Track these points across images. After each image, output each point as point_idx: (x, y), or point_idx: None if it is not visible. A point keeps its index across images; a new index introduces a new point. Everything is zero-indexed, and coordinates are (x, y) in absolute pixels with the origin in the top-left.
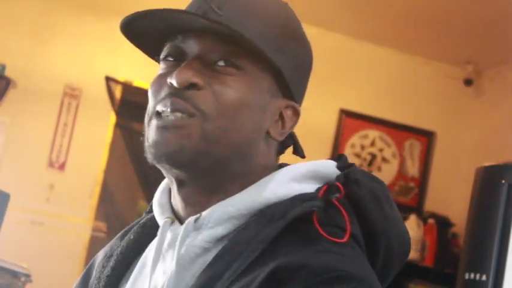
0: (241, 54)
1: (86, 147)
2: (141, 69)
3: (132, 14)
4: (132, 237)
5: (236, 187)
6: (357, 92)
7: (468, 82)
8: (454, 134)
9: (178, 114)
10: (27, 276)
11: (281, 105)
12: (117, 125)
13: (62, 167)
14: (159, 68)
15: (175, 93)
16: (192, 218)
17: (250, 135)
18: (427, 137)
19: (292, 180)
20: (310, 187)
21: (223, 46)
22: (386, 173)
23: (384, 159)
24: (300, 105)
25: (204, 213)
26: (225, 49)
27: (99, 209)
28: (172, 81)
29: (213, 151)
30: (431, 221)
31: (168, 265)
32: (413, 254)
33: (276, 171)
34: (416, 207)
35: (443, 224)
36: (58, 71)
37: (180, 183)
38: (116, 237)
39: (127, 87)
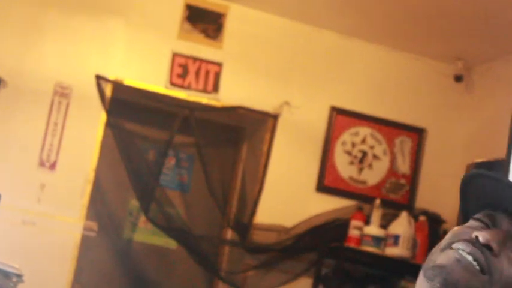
0: None
1: (76, 147)
2: (131, 68)
3: (489, 174)
4: None
5: None
6: (347, 89)
7: (458, 78)
8: (444, 130)
9: (471, 259)
10: (19, 276)
11: None
12: (108, 124)
13: (52, 166)
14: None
15: (476, 244)
16: None
17: None
18: (417, 133)
19: None
20: None
21: None
22: (377, 170)
23: (375, 157)
24: None
25: None
26: None
27: (90, 208)
28: (479, 235)
29: None
30: (422, 218)
31: None
32: (404, 251)
33: None
34: (408, 204)
35: (434, 220)
36: (48, 69)
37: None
38: None
39: (117, 86)
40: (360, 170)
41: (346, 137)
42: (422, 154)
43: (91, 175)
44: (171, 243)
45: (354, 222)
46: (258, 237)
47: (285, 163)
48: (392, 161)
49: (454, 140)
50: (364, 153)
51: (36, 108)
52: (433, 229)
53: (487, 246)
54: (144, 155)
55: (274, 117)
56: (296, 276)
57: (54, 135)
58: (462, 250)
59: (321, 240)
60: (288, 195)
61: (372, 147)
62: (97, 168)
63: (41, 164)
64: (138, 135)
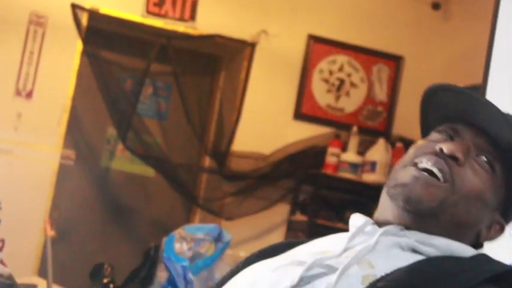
0: (500, 160)
1: (53, 75)
2: None
3: (451, 87)
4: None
5: (438, 234)
6: (325, 17)
7: (436, 6)
8: (422, 58)
9: (438, 172)
10: None
11: (496, 219)
12: (84, 53)
13: (29, 95)
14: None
15: (440, 155)
16: (397, 227)
17: (470, 223)
18: (395, 61)
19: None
20: None
21: (492, 148)
22: (354, 98)
23: (352, 84)
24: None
25: (410, 232)
26: (492, 151)
27: (68, 136)
28: (443, 147)
29: (440, 216)
30: (399, 144)
31: (365, 239)
32: (381, 177)
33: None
34: (385, 131)
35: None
36: None
37: (403, 211)
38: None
39: (93, 15)
40: (337, 97)
41: (324, 65)
42: (399, 82)
43: (68, 104)
44: (149, 172)
45: (331, 149)
46: (236, 164)
47: (262, 91)
48: (370, 88)
49: (431, 67)
50: (342, 81)
51: (11, 37)
52: None
53: (452, 157)
54: (121, 83)
55: (252, 45)
56: (274, 202)
57: (30, 64)
58: (425, 162)
59: (298, 167)
60: (265, 123)
61: (349, 75)
62: (74, 96)
63: (17, 93)
64: (114, 64)
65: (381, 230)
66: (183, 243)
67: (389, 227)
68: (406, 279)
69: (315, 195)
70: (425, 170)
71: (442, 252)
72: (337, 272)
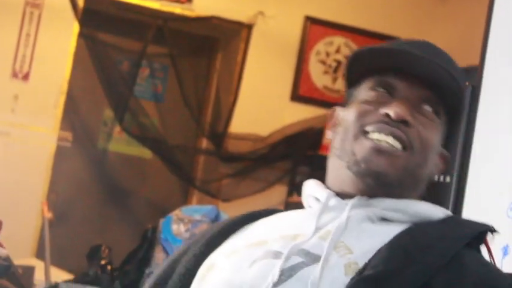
0: (440, 101)
1: (49, 57)
2: None
3: (368, 48)
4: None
5: (401, 195)
6: None
7: None
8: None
9: (395, 142)
10: None
11: (441, 153)
12: (81, 35)
13: (25, 77)
14: (363, 93)
15: (391, 123)
16: (364, 198)
17: (428, 173)
18: None
19: (442, 212)
20: None
21: (430, 93)
22: None
23: None
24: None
25: (376, 200)
26: (431, 96)
27: (65, 118)
28: (390, 112)
29: (405, 181)
30: None
31: (333, 216)
32: None
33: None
34: None
35: None
36: None
37: (369, 185)
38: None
39: None
40: (335, 79)
41: (321, 46)
42: None
43: (64, 86)
44: (146, 153)
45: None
46: (233, 146)
47: (259, 73)
48: None
49: None
50: (339, 63)
51: (7, 19)
52: None
53: (402, 121)
54: (118, 65)
55: (249, 27)
56: (271, 184)
57: (27, 46)
58: (378, 133)
59: (295, 149)
60: (262, 105)
61: (346, 57)
62: (70, 78)
63: (14, 75)
64: (111, 45)
65: (349, 204)
66: (181, 224)
67: (355, 200)
68: (390, 261)
69: (312, 177)
70: (381, 140)
71: (410, 216)
72: (319, 268)
